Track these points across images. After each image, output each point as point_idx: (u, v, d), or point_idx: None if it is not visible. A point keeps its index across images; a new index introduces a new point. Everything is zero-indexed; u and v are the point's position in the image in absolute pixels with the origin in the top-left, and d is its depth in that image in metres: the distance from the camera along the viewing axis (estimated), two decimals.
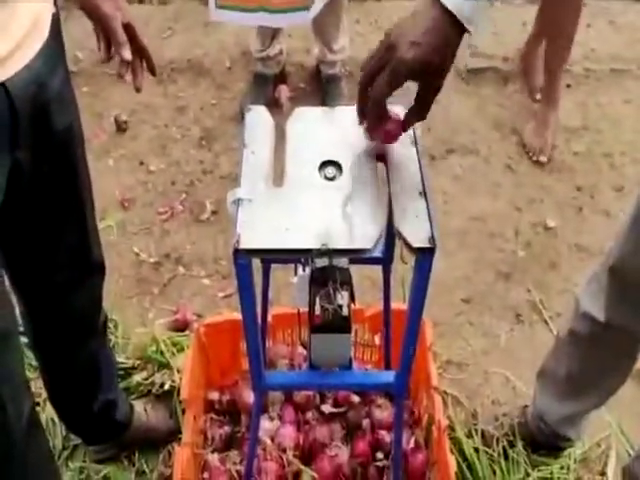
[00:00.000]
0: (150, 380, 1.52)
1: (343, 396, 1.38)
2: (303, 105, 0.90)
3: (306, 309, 0.88)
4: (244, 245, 0.72)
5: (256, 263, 0.90)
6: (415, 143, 0.83)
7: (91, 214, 1.08)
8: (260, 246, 0.72)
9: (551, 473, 1.40)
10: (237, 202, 0.76)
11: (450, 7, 0.74)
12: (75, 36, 2.15)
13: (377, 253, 0.98)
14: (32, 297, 1.11)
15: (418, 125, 0.86)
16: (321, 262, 0.84)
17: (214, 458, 1.30)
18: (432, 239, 0.72)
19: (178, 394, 1.33)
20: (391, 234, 0.88)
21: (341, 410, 1.37)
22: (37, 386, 1.40)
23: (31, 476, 0.99)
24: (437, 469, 1.24)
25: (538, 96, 2.26)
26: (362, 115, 0.80)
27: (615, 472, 1.43)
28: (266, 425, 1.31)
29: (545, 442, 1.40)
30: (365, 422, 1.36)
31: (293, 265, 0.99)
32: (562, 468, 1.41)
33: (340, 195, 0.77)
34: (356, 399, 1.39)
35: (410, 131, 0.84)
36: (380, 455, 1.31)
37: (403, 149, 0.82)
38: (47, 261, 1.05)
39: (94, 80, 2.35)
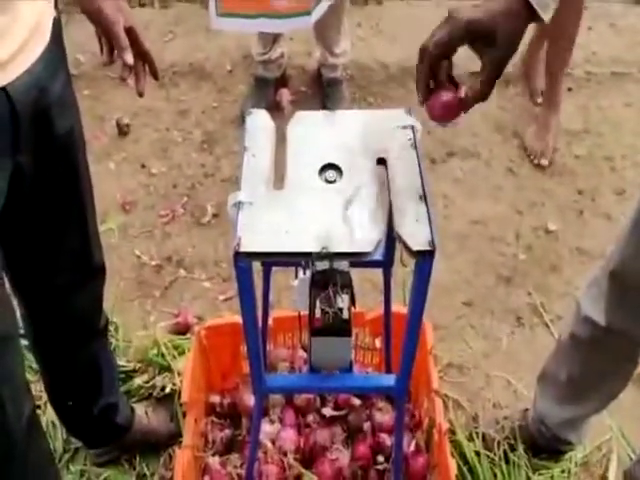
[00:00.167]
0: (151, 383, 1.52)
1: (344, 399, 1.38)
2: (304, 108, 0.90)
3: (307, 312, 0.88)
4: (245, 248, 0.72)
5: (257, 266, 0.91)
6: (415, 146, 0.83)
7: (92, 217, 1.08)
8: (261, 249, 0.72)
9: (552, 477, 1.40)
10: (238, 205, 0.76)
11: None
12: (77, 39, 2.15)
13: (377, 256, 0.98)
14: (33, 300, 1.11)
15: (419, 128, 0.86)
16: (321, 265, 0.85)
17: (215, 461, 1.30)
18: (432, 242, 0.72)
19: (179, 397, 1.33)
20: (391, 237, 0.88)
21: (342, 413, 1.37)
22: (38, 389, 1.40)
23: (31, 478, 0.99)
24: (438, 472, 1.24)
25: (540, 99, 2.27)
26: (419, 87, 0.76)
27: (616, 476, 1.42)
28: (267, 428, 1.31)
29: (546, 445, 1.40)
30: (366, 425, 1.36)
31: (294, 268, 0.99)
32: (563, 472, 1.41)
33: (340, 198, 0.77)
34: (357, 402, 1.39)
35: (410, 134, 0.84)
36: (381, 458, 1.31)
37: (403, 152, 0.82)
38: (48, 264, 1.05)
39: (96, 83, 2.36)
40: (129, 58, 0.96)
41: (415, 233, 0.73)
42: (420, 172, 0.80)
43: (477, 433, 1.44)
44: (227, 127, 2.24)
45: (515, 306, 1.77)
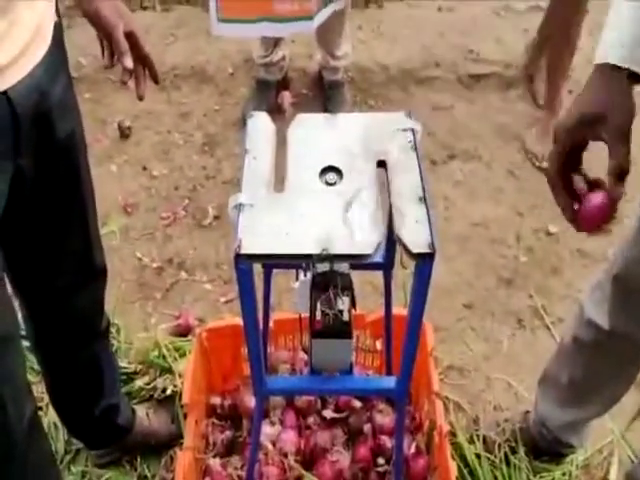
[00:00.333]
0: (152, 385, 1.52)
1: (344, 401, 1.38)
2: (305, 111, 0.91)
3: (307, 314, 0.88)
4: (245, 250, 0.72)
5: (257, 268, 0.91)
6: (415, 148, 0.83)
7: (93, 219, 1.09)
8: (261, 251, 0.73)
9: (553, 479, 1.40)
10: (238, 207, 0.76)
11: (619, 63, 0.73)
12: (78, 42, 2.17)
13: (378, 258, 0.99)
14: (35, 301, 1.11)
15: (419, 131, 0.87)
16: (322, 267, 0.85)
17: (215, 463, 1.30)
18: (432, 245, 0.72)
19: (180, 399, 1.33)
20: (392, 240, 0.88)
21: (342, 415, 1.37)
22: (39, 390, 1.40)
23: (32, 479, 0.99)
24: (438, 474, 1.24)
25: (541, 102, 2.27)
26: (566, 209, 0.75)
27: (617, 479, 1.42)
28: (267, 430, 1.32)
29: (547, 448, 1.40)
30: (366, 427, 1.36)
31: (294, 270, 1.00)
32: (564, 474, 1.41)
33: (341, 200, 0.77)
34: (357, 404, 1.39)
35: (410, 136, 0.85)
36: (381, 460, 1.31)
37: (403, 154, 0.83)
38: (50, 266, 1.06)
39: (97, 86, 2.37)
40: (128, 62, 0.96)
41: (415, 235, 0.73)
42: (420, 174, 0.80)
43: (478, 435, 1.44)
44: (228, 130, 2.25)
45: (516, 308, 1.77)
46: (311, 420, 1.37)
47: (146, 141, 2.22)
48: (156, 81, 1.05)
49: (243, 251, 0.72)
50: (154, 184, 2.08)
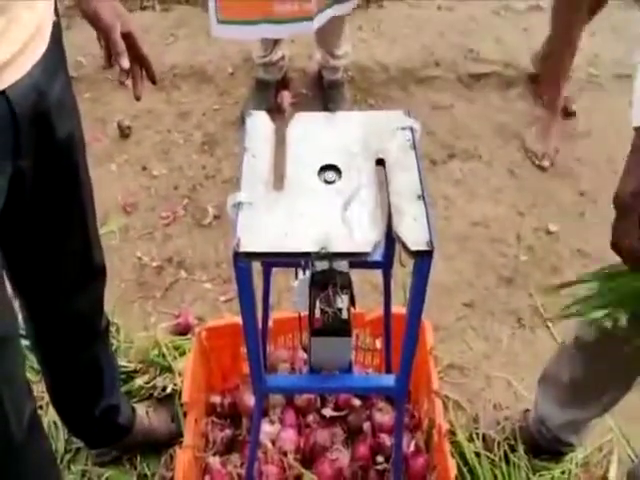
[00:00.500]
0: (152, 384, 1.53)
1: (344, 399, 1.39)
2: (305, 111, 0.91)
3: (307, 313, 0.88)
4: (244, 248, 0.72)
5: (257, 267, 0.91)
6: (414, 147, 0.83)
7: (92, 219, 1.09)
8: (260, 249, 0.73)
9: (552, 478, 1.40)
10: (237, 206, 0.76)
11: None
12: (78, 42, 2.17)
13: (377, 257, 0.99)
14: (34, 301, 1.12)
15: (418, 129, 0.87)
16: (321, 265, 0.85)
17: (215, 461, 1.30)
18: (430, 242, 0.72)
19: (180, 397, 1.33)
20: (391, 238, 0.88)
21: (342, 414, 1.38)
22: (39, 389, 1.40)
23: (32, 478, 0.99)
24: (437, 473, 1.24)
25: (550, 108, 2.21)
26: None
27: (617, 477, 1.42)
28: (267, 428, 1.32)
29: (546, 447, 1.40)
30: (366, 425, 1.36)
31: (294, 270, 1.00)
32: (563, 473, 1.41)
33: (340, 199, 0.77)
34: (357, 403, 1.39)
35: (409, 135, 0.85)
36: (381, 459, 1.31)
37: (402, 153, 0.83)
38: (49, 266, 1.06)
39: (97, 86, 2.37)
40: (125, 63, 0.97)
41: (414, 233, 0.73)
42: (419, 173, 0.80)
43: (477, 434, 1.44)
44: (228, 129, 2.25)
45: (516, 307, 1.77)
46: (311, 418, 1.37)
47: (146, 141, 2.22)
48: (154, 81, 1.05)
49: (242, 249, 0.72)
50: (154, 183, 2.09)
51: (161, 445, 1.44)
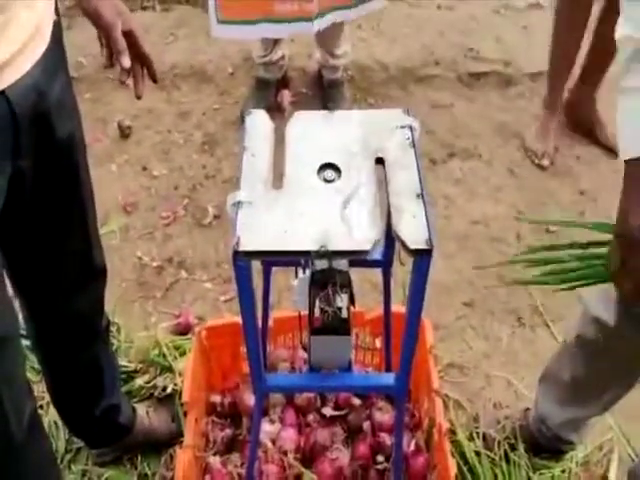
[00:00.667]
0: (152, 383, 1.53)
1: (344, 399, 1.39)
2: (305, 110, 0.91)
3: (306, 312, 0.89)
4: (243, 247, 0.72)
5: (257, 266, 0.91)
6: (413, 145, 0.83)
7: (93, 220, 1.09)
8: (259, 248, 0.73)
9: (552, 476, 1.40)
10: (237, 205, 0.76)
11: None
12: (78, 42, 2.17)
13: (376, 255, 0.99)
14: (35, 301, 1.12)
15: (417, 128, 0.87)
16: (321, 264, 0.85)
17: (215, 461, 1.30)
18: (429, 241, 0.73)
19: (180, 397, 1.33)
20: (390, 237, 0.88)
21: (342, 413, 1.38)
22: (40, 389, 1.40)
23: (33, 478, 0.99)
24: (438, 472, 1.24)
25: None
26: None
27: (617, 476, 1.42)
28: (267, 428, 1.32)
29: (547, 445, 1.40)
30: (366, 425, 1.36)
31: (294, 270, 1.00)
32: (564, 471, 1.41)
33: (339, 197, 0.77)
34: (357, 402, 1.39)
35: (408, 133, 0.85)
36: (381, 458, 1.31)
37: (401, 151, 0.83)
38: (50, 266, 1.06)
39: (97, 86, 2.37)
40: (126, 61, 0.97)
41: (413, 232, 0.73)
42: (418, 171, 0.80)
43: (477, 433, 1.44)
44: (228, 129, 2.25)
45: (515, 306, 1.77)
46: (311, 418, 1.37)
47: (146, 141, 2.22)
48: (155, 80, 1.05)
49: (241, 248, 0.72)
50: (154, 183, 2.09)
51: (161, 445, 1.44)
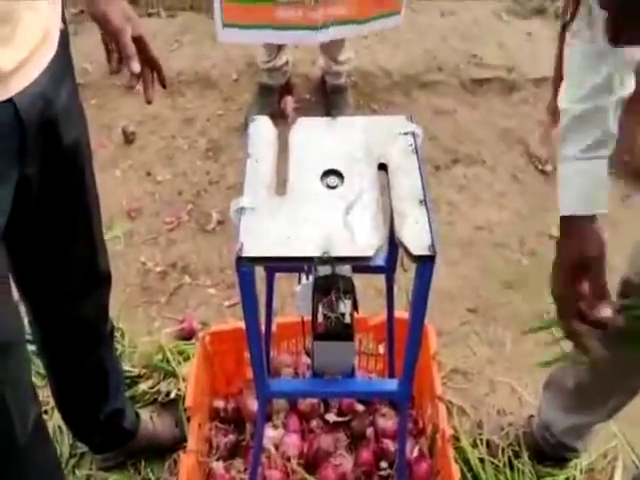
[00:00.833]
0: (156, 388, 1.53)
1: (347, 405, 1.39)
2: (308, 116, 0.91)
3: (310, 318, 0.89)
4: (247, 253, 0.73)
5: (260, 272, 0.92)
6: (416, 151, 0.84)
7: (98, 226, 1.10)
8: (263, 254, 0.73)
9: None
10: (240, 211, 0.77)
11: (584, 212, 0.90)
12: (84, 49, 2.19)
13: (379, 261, 0.99)
14: (40, 307, 1.12)
15: (420, 134, 0.87)
16: (324, 270, 0.85)
17: (219, 466, 1.30)
18: (432, 247, 0.73)
19: (183, 402, 1.33)
20: (394, 243, 0.89)
21: (345, 419, 1.38)
22: (45, 394, 1.41)
23: None
24: (441, 478, 1.24)
25: None
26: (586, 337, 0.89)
27: None
28: (270, 433, 1.32)
29: (551, 452, 1.39)
30: (369, 431, 1.36)
31: (297, 275, 1.00)
32: (568, 479, 1.40)
33: (342, 203, 0.78)
34: (360, 408, 1.39)
35: (411, 140, 0.85)
36: (384, 464, 1.31)
37: (404, 158, 0.83)
38: (55, 272, 1.06)
39: (102, 92, 2.39)
40: (135, 66, 0.97)
41: (416, 238, 0.74)
42: (421, 177, 0.81)
43: (481, 439, 1.44)
44: (232, 135, 2.26)
45: (519, 312, 1.76)
46: (314, 424, 1.37)
47: (150, 146, 2.23)
48: (164, 85, 1.06)
49: (245, 254, 0.72)
50: (158, 189, 2.09)
51: (165, 450, 1.44)
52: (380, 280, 1.13)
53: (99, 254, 1.12)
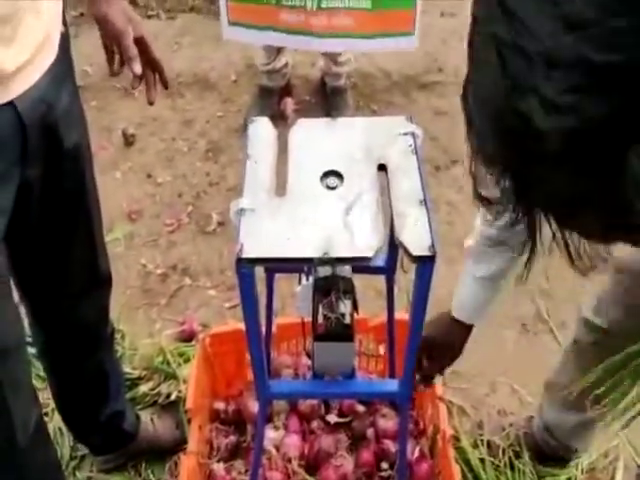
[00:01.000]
0: (156, 390, 1.53)
1: (348, 406, 1.39)
2: (308, 117, 0.91)
3: (310, 319, 0.89)
4: (247, 254, 0.73)
5: (261, 274, 0.92)
6: (416, 152, 0.84)
7: (99, 228, 1.10)
8: (263, 255, 0.73)
9: None
10: (240, 212, 0.77)
11: (465, 320, 1.08)
12: (84, 51, 2.18)
13: (379, 262, 0.99)
14: (41, 309, 1.12)
15: (420, 135, 0.87)
16: (324, 271, 0.85)
17: (219, 467, 1.30)
18: (432, 247, 0.73)
19: (184, 404, 1.33)
20: (393, 244, 0.89)
21: (346, 420, 1.38)
22: (45, 396, 1.41)
23: None
24: (442, 479, 1.24)
25: None
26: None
27: None
28: (271, 435, 1.32)
29: (551, 453, 1.39)
30: (370, 432, 1.36)
31: (297, 276, 1.00)
32: (569, 479, 1.40)
33: (342, 204, 0.78)
34: (361, 409, 1.39)
35: (411, 140, 0.85)
36: (385, 465, 1.30)
37: (404, 158, 0.83)
38: (56, 274, 1.07)
39: (102, 94, 2.39)
40: (137, 68, 0.97)
41: (415, 238, 0.74)
42: (420, 178, 0.81)
43: (482, 440, 1.44)
44: (232, 136, 2.26)
45: (520, 313, 1.76)
46: (315, 425, 1.37)
47: (150, 148, 2.24)
48: (165, 86, 1.06)
49: (245, 255, 0.73)
50: (158, 191, 2.10)
51: (166, 451, 1.44)
52: (380, 281, 1.13)
53: (100, 256, 1.12)
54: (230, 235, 1.91)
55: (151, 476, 1.42)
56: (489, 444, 1.43)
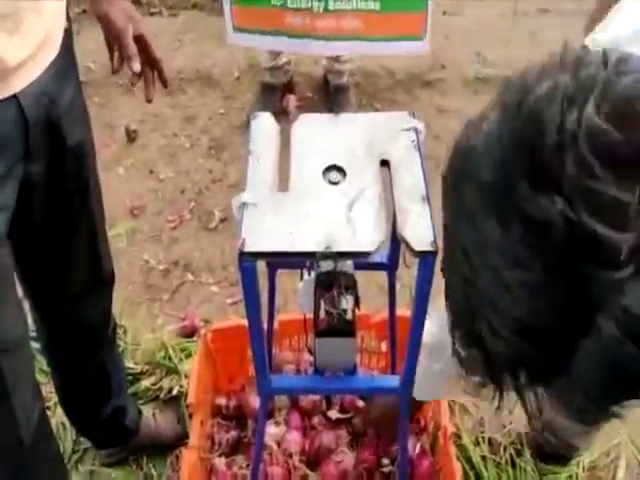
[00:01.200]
0: (158, 385, 1.53)
1: (349, 402, 1.39)
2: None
3: (312, 314, 0.89)
4: (249, 248, 0.73)
5: (263, 269, 0.92)
6: (418, 148, 0.84)
7: (101, 225, 1.10)
8: (265, 249, 0.73)
9: None
10: (242, 206, 0.77)
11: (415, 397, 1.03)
12: (87, 48, 2.18)
13: (381, 257, 0.99)
14: (44, 306, 1.13)
15: (422, 130, 0.87)
16: (326, 266, 0.85)
17: (221, 462, 1.30)
18: (434, 243, 0.73)
19: (186, 399, 1.34)
20: (396, 240, 0.89)
21: (347, 416, 1.37)
22: (47, 390, 1.41)
23: (40, 478, 1.00)
24: (443, 476, 1.24)
25: None
26: None
27: None
28: (272, 430, 1.32)
29: (553, 451, 1.39)
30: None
31: (299, 272, 1.00)
32: (570, 477, 1.40)
33: (344, 199, 0.78)
34: (362, 405, 1.39)
35: (414, 136, 0.85)
36: (386, 461, 1.30)
37: (406, 154, 0.83)
38: (59, 272, 1.07)
39: (105, 91, 2.39)
40: (136, 66, 0.97)
41: (418, 234, 0.74)
42: (423, 173, 0.81)
43: (483, 437, 1.44)
44: (234, 133, 2.26)
45: None
46: (316, 420, 1.37)
47: (153, 145, 2.24)
48: (165, 84, 1.06)
49: (247, 249, 0.73)
50: (160, 187, 2.10)
51: (167, 446, 1.45)
52: (382, 277, 1.13)
53: (102, 254, 1.12)
54: (232, 231, 1.92)
55: (153, 470, 1.43)
56: (490, 441, 1.43)
